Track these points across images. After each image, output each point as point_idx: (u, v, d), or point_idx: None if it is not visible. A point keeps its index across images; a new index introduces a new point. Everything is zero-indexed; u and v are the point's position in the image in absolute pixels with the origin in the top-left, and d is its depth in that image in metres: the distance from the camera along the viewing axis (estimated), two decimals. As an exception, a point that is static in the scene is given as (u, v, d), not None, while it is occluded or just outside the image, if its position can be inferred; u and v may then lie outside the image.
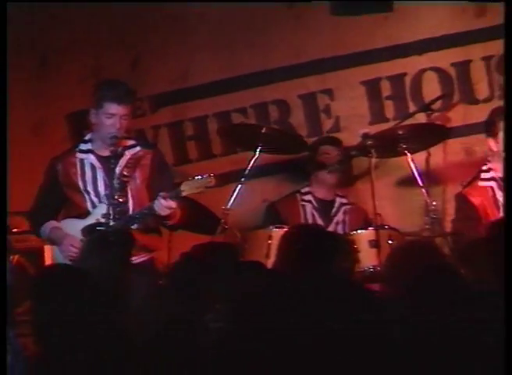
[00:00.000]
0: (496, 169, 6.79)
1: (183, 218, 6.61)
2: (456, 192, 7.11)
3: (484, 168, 6.89)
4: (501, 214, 6.71)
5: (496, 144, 6.73)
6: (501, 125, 6.69)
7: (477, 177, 6.90)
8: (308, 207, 7.69)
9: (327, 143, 7.82)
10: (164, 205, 6.35)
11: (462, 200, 6.94)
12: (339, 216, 7.68)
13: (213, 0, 7.67)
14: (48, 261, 7.02)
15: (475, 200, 6.82)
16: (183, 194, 6.37)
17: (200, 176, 6.40)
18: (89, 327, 4.42)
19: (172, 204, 6.36)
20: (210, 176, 6.41)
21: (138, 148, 6.75)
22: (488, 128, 6.85)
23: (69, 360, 4.29)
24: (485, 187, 6.84)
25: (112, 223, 6.46)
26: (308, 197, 7.70)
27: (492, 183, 6.83)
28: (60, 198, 6.75)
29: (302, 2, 7.56)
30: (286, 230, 6.51)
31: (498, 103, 7.79)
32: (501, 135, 6.71)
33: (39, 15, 8.13)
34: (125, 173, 6.61)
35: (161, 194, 6.37)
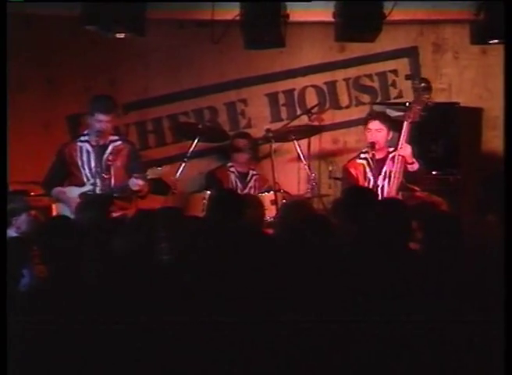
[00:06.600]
0: (368, 153, 6.81)
1: (149, 192, 6.77)
2: (342, 166, 7.18)
3: (363, 151, 6.95)
4: (367, 183, 6.80)
5: (368, 136, 6.83)
6: (370, 123, 6.79)
7: (357, 156, 6.99)
8: (232, 176, 7.84)
9: (239, 135, 8.04)
10: (135, 183, 6.57)
11: (345, 171, 7.01)
12: (252, 183, 7.85)
13: (209, 0, 7.19)
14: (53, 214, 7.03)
15: (353, 171, 6.91)
16: (148, 177, 6.58)
17: (159, 167, 6.62)
18: (77, 256, 4.48)
19: (141, 182, 6.58)
20: (163, 168, 6.65)
21: (119, 142, 6.87)
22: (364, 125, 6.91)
23: (63, 277, 4.38)
24: (360, 163, 6.90)
25: (98, 191, 6.63)
26: (232, 169, 7.85)
27: (364, 162, 6.88)
28: (65, 172, 6.83)
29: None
30: (215, 192, 6.75)
31: (355, 110, 8.16)
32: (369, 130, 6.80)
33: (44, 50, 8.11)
34: (109, 159, 6.74)
35: (135, 175, 6.60)
